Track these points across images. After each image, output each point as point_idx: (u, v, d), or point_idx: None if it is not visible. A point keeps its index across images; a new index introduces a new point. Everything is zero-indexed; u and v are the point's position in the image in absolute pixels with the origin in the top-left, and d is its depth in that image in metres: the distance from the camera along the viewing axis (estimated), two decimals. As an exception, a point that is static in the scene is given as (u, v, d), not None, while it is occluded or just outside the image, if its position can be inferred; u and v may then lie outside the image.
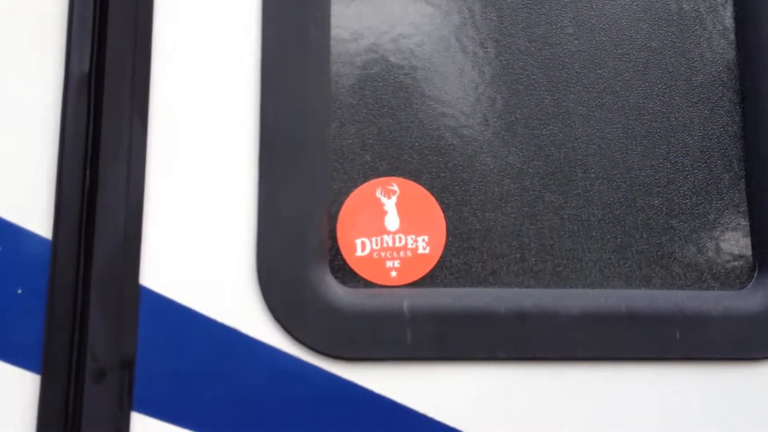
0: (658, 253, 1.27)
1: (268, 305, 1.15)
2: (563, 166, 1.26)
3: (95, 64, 1.17)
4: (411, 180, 1.23)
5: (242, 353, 1.14)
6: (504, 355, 1.17)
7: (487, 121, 1.26)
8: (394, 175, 1.24)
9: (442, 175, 1.24)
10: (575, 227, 1.25)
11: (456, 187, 1.24)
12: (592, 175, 1.27)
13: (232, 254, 1.16)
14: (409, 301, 1.18)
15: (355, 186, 1.22)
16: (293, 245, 1.16)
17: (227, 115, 1.19)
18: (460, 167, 1.25)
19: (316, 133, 1.20)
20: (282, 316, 1.15)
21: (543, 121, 1.27)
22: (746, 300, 1.24)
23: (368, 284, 1.21)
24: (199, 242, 1.16)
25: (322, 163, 1.20)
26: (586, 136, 1.28)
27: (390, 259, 1.21)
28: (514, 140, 1.26)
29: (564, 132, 1.27)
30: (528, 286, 1.23)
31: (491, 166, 1.25)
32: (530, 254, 1.24)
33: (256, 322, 1.15)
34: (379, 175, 1.23)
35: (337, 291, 1.18)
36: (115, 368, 1.11)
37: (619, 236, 1.26)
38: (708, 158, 1.31)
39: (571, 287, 1.24)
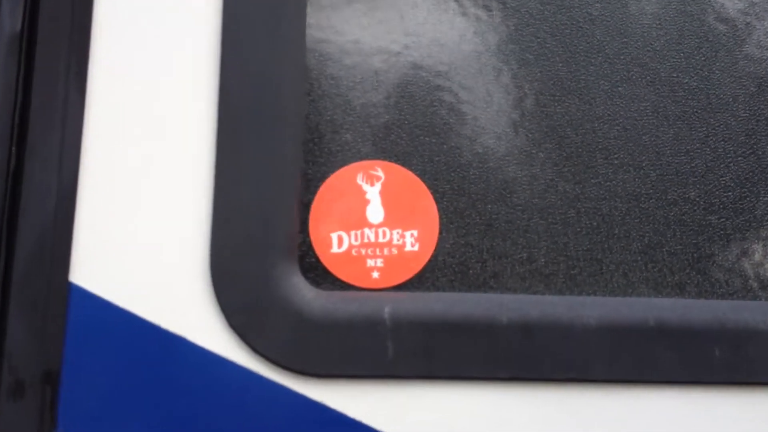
0: (694, 255, 1.06)
1: (223, 309, 0.97)
2: (580, 149, 1.06)
3: (27, 20, 1.00)
4: (399, 164, 1.04)
5: (190, 366, 0.96)
6: (505, 374, 0.97)
7: (490, 95, 1.07)
8: (379, 158, 1.04)
9: (436, 158, 1.05)
10: (594, 223, 1.05)
11: (452, 174, 1.05)
12: (616, 161, 1.07)
13: (182, 248, 0.98)
14: (392, 307, 0.98)
15: (332, 170, 1.04)
16: (255, 239, 0.98)
17: (180, 82, 1.01)
18: (458, 150, 1.05)
19: (286, 106, 1.01)
20: (239, 323, 0.97)
21: (557, 96, 1.07)
22: (800, 312, 1.03)
23: (345, 286, 1.02)
24: (143, 233, 0.98)
25: (293, 142, 1.01)
26: (609, 114, 1.08)
27: (372, 257, 1.02)
28: (522, 118, 1.06)
29: (582, 109, 1.07)
30: (536, 292, 1.03)
31: (494, 149, 1.06)
32: (539, 254, 1.04)
33: (207, 330, 0.97)
34: (362, 158, 1.04)
35: (307, 294, 0.99)
36: (35, 382, 0.93)
37: (647, 234, 1.05)
38: (754, 142, 1.10)
39: (588, 294, 1.03)
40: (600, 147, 1.07)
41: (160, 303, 0.97)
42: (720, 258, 1.07)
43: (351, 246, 1.02)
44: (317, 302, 0.98)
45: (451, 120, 1.06)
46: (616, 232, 1.05)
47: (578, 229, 1.05)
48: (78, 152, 0.98)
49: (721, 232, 1.07)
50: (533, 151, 1.06)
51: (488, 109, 1.06)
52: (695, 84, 1.10)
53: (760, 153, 1.10)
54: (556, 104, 1.07)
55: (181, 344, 0.96)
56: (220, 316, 0.97)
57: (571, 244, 1.05)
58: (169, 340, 0.96)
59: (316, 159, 1.04)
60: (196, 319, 0.97)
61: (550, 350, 0.98)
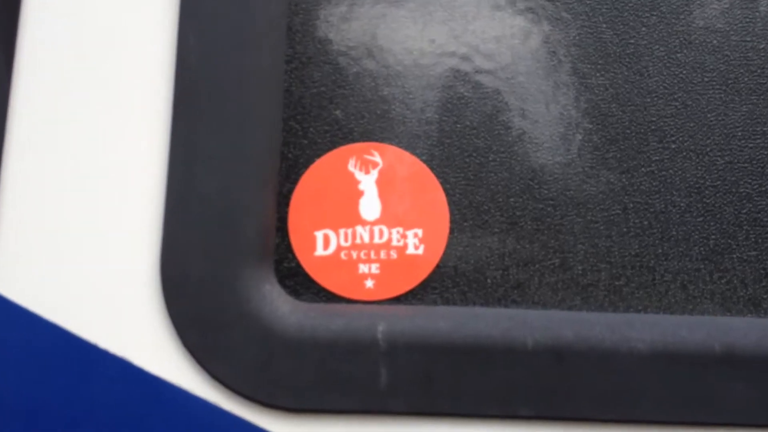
0: (772, 262, 0.84)
1: (175, 325, 0.78)
2: (628, 130, 0.85)
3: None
4: (400, 147, 0.84)
5: (133, 394, 0.77)
6: (529, 411, 0.77)
7: (514, 63, 0.86)
8: (376, 140, 0.85)
9: (446, 140, 0.85)
10: (645, 221, 0.84)
11: (465, 159, 0.84)
12: (672, 145, 0.85)
13: (126, 249, 0.79)
14: (387, 324, 0.78)
15: (318, 155, 0.84)
16: (218, 237, 0.79)
17: (129, 48, 0.82)
18: (473, 130, 0.85)
19: (260, 77, 0.82)
20: (194, 342, 0.78)
21: (601, 66, 0.86)
22: None
23: (331, 298, 0.82)
24: (79, 233, 0.79)
25: (269, 119, 0.82)
26: (665, 88, 0.86)
27: (365, 262, 0.82)
28: (556, 91, 0.85)
29: (631, 80, 0.86)
30: (570, 308, 0.82)
31: (519, 129, 0.85)
32: (575, 260, 0.83)
33: (155, 350, 0.78)
34: (354, 140, 0.85)
35: (282, 306, 0.79)
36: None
37: (713, 236, 0.84)
38: None
39: (637, 311, 0.82)
40: (653, 128, 0.85)
41: (99, 318, 0.78)
42: (805, 267, 0.85)
43: (339, 248, 0.82)
44: (294, 317, 0.79)
45: (465, 93, 0.85)
46: (673, 233, 0.84)
47: (624, 229, 0.83)
48: (1, 139, 0.80)
49: (808, 234, 0.85)
50: (568, 132, 0.85)
51: (512, 80, 0.86)
52: (774, 49, 0.88)
53: None
54: (599, 74, 0.86)
55: (123, 367, 0.78)
56: (171, 333, 0.78)
57: (615, 247, 0.83)
58: (107, 362, 0.78)
59: (298, 140, 0.85)
60: (142, 337, 0.78)
61: (587, 382, 0.77)
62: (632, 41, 0.87)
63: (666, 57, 0.87)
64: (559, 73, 0.86)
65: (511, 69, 0.86)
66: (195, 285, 0.78)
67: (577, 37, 0.86)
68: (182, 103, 0.81)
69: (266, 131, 0.82)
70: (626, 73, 0.86)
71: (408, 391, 0.77)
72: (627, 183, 0.84)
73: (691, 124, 0.86)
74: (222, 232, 0.79)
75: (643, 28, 0.87)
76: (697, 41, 0.87)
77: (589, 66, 0.86)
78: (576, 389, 0.77)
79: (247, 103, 0.81)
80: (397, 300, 0.82)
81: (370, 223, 0.83)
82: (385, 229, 0.83)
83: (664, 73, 0.86)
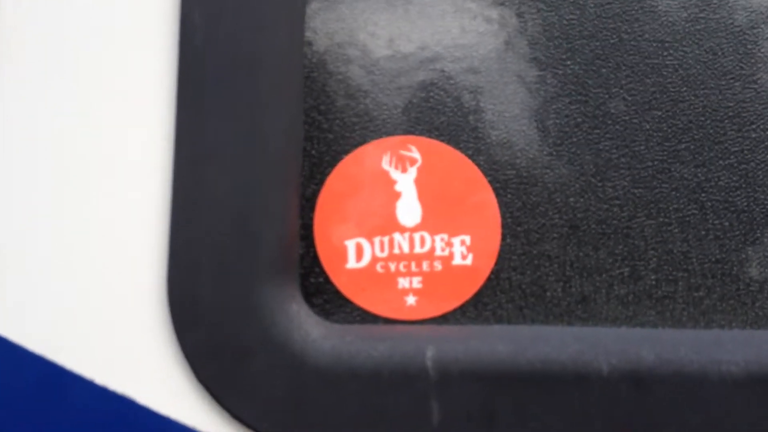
0: None
1: (188, 357, 0.65)
2: (703, 118, 0.74)
3: None
4: (442, 141, 0.73)
5: (139, 441, 0.65)
6: (605, 447, 0.65)
7: (569, 38, 0.75)
8: (413, 133, 0.73)
9: (494, 133, 0.73)
10: (726, 222, 0.73)
11: (517, 154, 0.73)
12: (753, 135, 0.74)
13: (127, 268, 0.67)
14: (435, 348, 0.67)
15: (346, 151, 0.72)
16: (233, 252, 0.66)
17: (125, 29, 0.70)
18: (525, 121, 0.73)
19: (276, 61, 0.69)
20: (211, 376, 0.65)
21: (669, 44, 0.75)
22: None
23: (367, 318, 0.70)
24: (69, 248, 0.67)
25: (288, 112, 0.70)
26: (743, 68, 0.75)
27: (405, 275, 0.70)
28: (618, 74, 0.74)
29: (704, 61, 0.75)
30: (643, 324, 0.71)
31: (577, 118, 0.73)
32: (647, 268, 0.72)
33: (165, 387, 0.66)
34: (388, 133, 0.73)
35: (313, 331, 0.68)
36: None
37: (797, 237, 0.73)
38: None
39: (721, 326, 0.71)
40: (730, 113, 0.74)
41: (93, 347, 0.66)
42: None
43: (375, 259, 0.71)
44: (327, 343, 0.67)
45: (515, 77, 0.74)
46: (758, 234, 0.73)
47: (702, 232, 0.72)
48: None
49: None
50: (634, 120, 0.73)
51: (568, 62, 0.74)
52: None
53: None
54: (666, 53, 0.75)
55: (125, 406, 0.65)
56: (182, 364, 0.66)
57: (692, 253, 0.72)
58: (106, 401, 0.65)
59: (323, 134, 0.73)
60: (147, 370, 0.66)
61: (672, 412, 0.66)
62: (702, 15, 0.76)
63: (742, 32, 0.76)
64: (621, 53, 0.74)
65: (566, 45, 0.74)
66: (208, 307, 0.66)
67: (639, 12, 0.75)
68: (187, 92, 0.68)
69: (285, 124, 0.69)
70: (697, 52, 0.75)
71: (465, 429, 0.65)
72: (703, 178, 0.73)
73: (771, 110, 0.75)
74: (237, 244, 0.67)
75: (714, 1, 0.76)
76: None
77: (655, 44, 0.75)
78: (659, 421, 0.65)
79: (261, 92, 0.69)
80: (444, 319, 0.71)
81: (410, 230, 0.71)
82: (427, 236, 0.71)
83: (741, 51, 0.75)
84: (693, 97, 0.74)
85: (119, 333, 0.66)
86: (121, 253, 0.67)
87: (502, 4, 0.75)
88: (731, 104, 0.74)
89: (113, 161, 0.68)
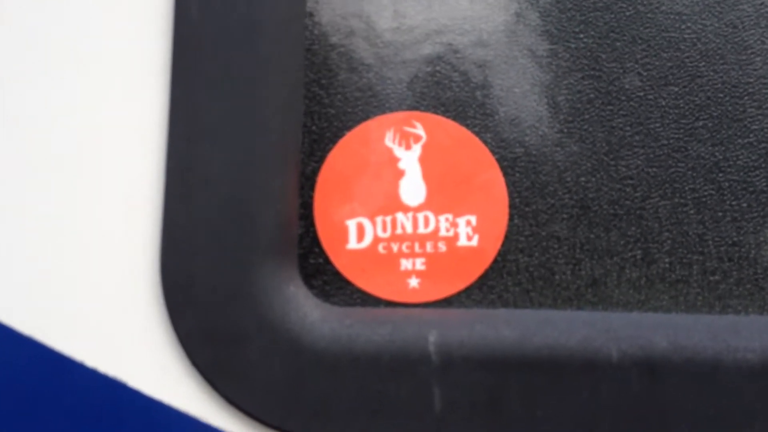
0: None
1: (182, 340, 0.63)
2: (721, 94, 0.71)
3: None
4: (448, 117, 0.70)
5: (132, 425, 0.63)
6: (615, 438, 0.63)
7: (581, 9, 0.71)
8: (417, 109, 0.70)
9: (502, 109, 0.70)
10: (744, 203, 0.70)
11: (526, 131, 0.70)
12: (774, 111, 0.71)
13: (118, 249, 0.64)
14: (439, 332, 0.64)
15: (348, 127, 0.69)
16: (229, 231, 0.64)
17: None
18: (534, 96, 0.70)
19: (275, 32, 0.67)
20: (206, 361, 0.63)
21: (687, 16, 0.71)
22: None
23: (368, 300, 0.68)
24: (58, 229, 0.64)
25: (287, 85, 0.67)
26: (764, 41, 0.72)
27: (408, 256, 0.68)
28: (634, 47, 0.71)
29: (723, 35, 0.71)
30: (656, 309, 0.68)
31: (587, 92, 0.70)
32: (660, 251, 0.69)
33: (158, 370, 0.63)
34: (391, 109, 0.70)
35: (311, 313, 0.65)
36: None
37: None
38: None
39: (738, 312, 0.68)
40: (750, 90, 0.71)
41: (83, 330, 0.63)
42: None
43: (377, 239, 0.68)
44: (326, 326, 0.65)
45: (525, 50, 0.71)
46: (777, 216, 0.70)
47: (719, 213, 0.69)
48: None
49: None
50: (648, 96, 0.70)
51: (580, 33, 0.71)
52: None
53: None
54: (684, 25, 0.71)
55: (117, 390, 0.63)
56: (176, 348, 0.64)
57: (708, 235, 0.69)
58: (98, 384, 0.63)
59: (324, 109, 0.70)
60: (140, 354, 0.63)
61: (686, 401, 0.63)
62: None
63: (764, 4, 0.72)
64: (637, 26, 0.71)
65: (579, 17, 0.71)
66: (202, 289, 0.63)
67: (656, -17, 0.72)
68: (181, 65, 0.65)
69: (284, 99, 0.67)
70: (716, 25, 0.71)
71: (469, 416, 0.63)
72: (721, 157, 0.70)
73: (793, 86, 0.71)
74: (233, 223, 0.64)
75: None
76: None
77: (672, 16, 0.71)
78: (672, 410, 0.63)
79: (260, 65, 0.66)
80: (448, 302, 0.68)
81: (413, 210, 0.68)
82: (431, 216, 0.68)
83: (762, 24, 0.72)
84: (711, 72, 0.71)
85: (111, 315, 0.63)
86: (114, 234, 0.64)
87: (511, -27, 0.71)
88: (751, 80, 0.71)
89: (103, 138, 0.65)
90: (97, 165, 0.65)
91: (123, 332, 0.63)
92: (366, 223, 0.68)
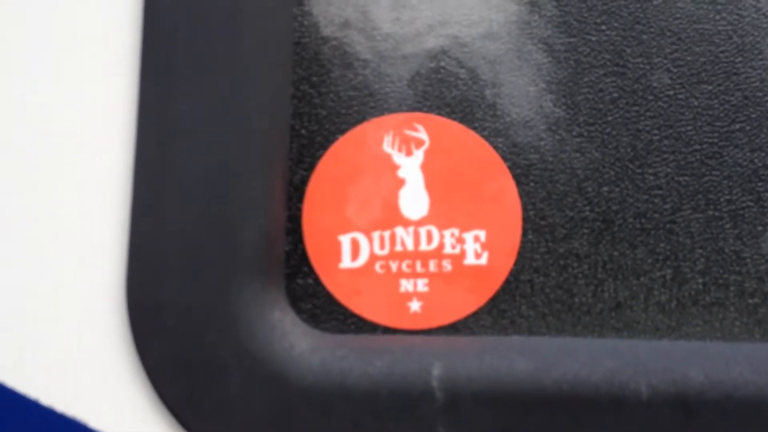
0: None
1: (150, 374, 0.55)
2: (760, 93, 0.63)
3: None
4: (454, 120, 0.62)
5: (92, 472, 0.55)
6: (645, 485, 0.55)
7: (604, 6, 0.63)
8: (419, 110, 0.62)
9: (514, 111, 0.62)
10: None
11: (541, 135, 0.62)
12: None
13: (77, 268, 0.56)
14: (443, 364, 0.56)
15: (342, 130, 0.62)
16: (206, 248, 0.56)
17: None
18: (549, 95, 0.62)
19: (259, 21, 0.59)
20: (177, 397, 0.55)
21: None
22: None
23: (362, 327, 0.60)
24: (9, 240, 0.56)
25: (273, 81, 0.59)
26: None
27: (409, 276, 0.60)
28: (662, 40, 0.63)
29: (758, 26, 0.64)
30: (689, 337, 0.60)
31: (610, 92, 0.62)
32: (693, 270, 0.61)
33: (123, 408, 0.56)
34: (390, 110, 0.62)
35: (299, 342, 0.57)
36: None
37: None
38: None
39: (782, 339, 0.61)
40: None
41: (37, 363, 0.56)
42: None
43: (374, 257, 0.60)
44: (316, 356, 0.57)
45: (540, 44, 0.63)
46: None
47: (759, 228, 0.62)
48: None
49: None
50: (679, 95, 0.62)
51: (602, 24, 0.63)
52: None
53: None
54: (719, 15, 0.63)
55: (76, 431, 0.55)
56: (144, 383, 0.56)
57: (746, 252, 0.61)
58: (54, 425, 0.55)
59: (314, 110, 0.62)
60: (102, 389, 0.55)
61: (725, 443, 0.55)
62: (760, -26, 0.64)
63: None
64: (666, 17, 0.63)
65: (602, 13, 0.63)
66: (174, 314, 0.55)
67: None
68: (152, 57, 0.58)
69: (269, 97, 0.59)
70: (754, 16, 0.64)
71: (478, 461, 0.55)
72: (760, 164, 0.62)
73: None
74: (210, 239, 0.56)
75: (773, -43, 0.65)
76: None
77: (704, 6, 0.63)
78: (710, 453, 0.55)
79: (242, 58, 0.58)
80: (454, 329, 0.60)
81: (415, 224, 0.61)
82: (435, 231, 0.60)
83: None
84: (749, 69, 0.63)
85: (69, 345, 0.56)
86: (72, 250, 0.56)
87: (525, -42, 0.64)
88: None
89: (63, 140, 0.57)
90: (53, 170, 0.57)
91: (83, 364, 0.55)
92: (361, 238, 0.60)
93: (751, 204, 0.62)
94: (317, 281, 0.60)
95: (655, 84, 0.62)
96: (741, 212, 0.62)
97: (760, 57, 0.63)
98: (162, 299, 0.55)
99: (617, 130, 0.62)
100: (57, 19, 0.58)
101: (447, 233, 0.61)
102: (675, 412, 0.55)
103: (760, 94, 0.62)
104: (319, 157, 0.61)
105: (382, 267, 0.60)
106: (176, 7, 0.57)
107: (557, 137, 0.62)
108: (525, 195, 0.61)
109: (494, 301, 0.60)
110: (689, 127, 0.62)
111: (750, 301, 0.61)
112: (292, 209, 0.60)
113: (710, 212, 0.61)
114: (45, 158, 0.57)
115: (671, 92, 0.62)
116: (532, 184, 0.62)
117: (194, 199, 0.56)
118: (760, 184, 0.62)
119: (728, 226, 0.62)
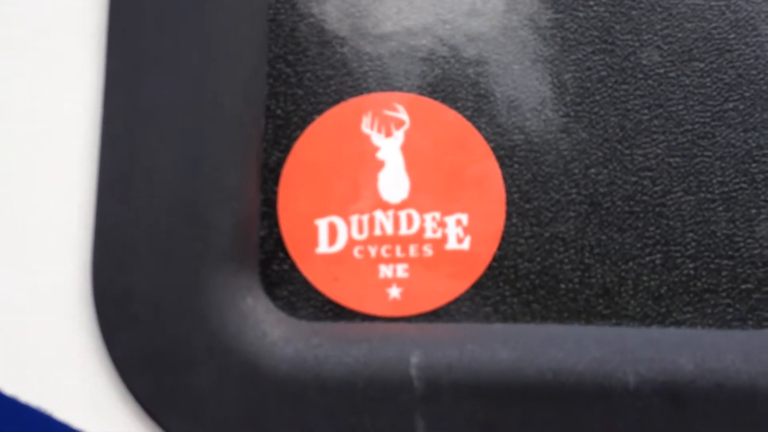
0: None
1: (117, 366, 0.53)
2: (754, 71, 0.60)
3: None
4: (435, 99, 0.60)
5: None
6: (632, 477, 0.53)
7: (593, -23, 0.61)
8: (400, 89, 0.60)
9: (498, 90, 0.60)
10: (780, 198, 0.60)
11: (525, 115, 0.60)
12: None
13: (40, 255, 0.54)
14: (423, 353, 0.54)
15: (319, 111, 0.59)
16: (176, 233, 0.54)
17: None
18: (535, 74, 0.60)
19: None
20: (146, 390, 0.53)
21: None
22: None
23: (341, 313, 0.58)
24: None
25: (247, 60, 0.57)
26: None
27: (388, 262, 0.58)
28: (666, 24, 0.61)
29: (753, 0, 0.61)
30: (679, 324, 0.58)
31: (599, 71, 0.60)
32: (683, 254, 0.59)
33: (90, 401, 0.54)
34: (369, 90, 0.60)
35: (273, 330, 0.55)
36: None
37: None
38: None
39: (775, 326, 0.58)
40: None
41: (2, 354, 0.53)
42: None
43: (352, 242, 0.58)
44: (291, 345, 0.55)
45: (525, 20, 0.60)
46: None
47: (753, 211, 0.59)
48: None
49: None
50: (669, 75, 0.60)
51: (595, 7, 0.61)
52: None
53: None
54: (709, -8, 0.61)
55: (45, 424, 0.53)
56: (111, 375, 0.54)
57: (739, 236, 0.59)
58: (18, 416, 0.53)
59: (291, 90, 0.59)
60: (67, 381, 0.53)
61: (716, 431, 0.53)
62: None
63: None
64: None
65: (589, -14, 0.61)
66: (143, 304, 0.53)
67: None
68: (118, 34, 0.55)
69: (244, 76, 0.57)
70: (748, -9, 0.61)
71: (458, 454, 0.53)
72: (754, 145, 0.60)
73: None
74: (180, 225, 0.54)
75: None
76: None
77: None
78: (700, 445, 0.53)
79: (214, 35, 0.56)
80: (435, 316, 0.58)
81: (395, 207, 0.58)
82: (415, 214, 0.58)
83: None
84: (743, 46, 0.60)
85: (32, 333, 0.53)
86: (36, 236, 0.54)
87: (509, -70, 0.61)
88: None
89: (25, 123, 0.55)
90: (15, 155, 0.55)
91: (47, 355, 0.53)
92: (339, 222, 0.58)
93: (745, 186, 0.59)
94: (293, 267, 0.58)
95: (644, 61, 0.60)
96: (734, 195, 0.59)
97: (754, 33, 0.60)
98: (129, 287, 0.53)
99: (605, 110, 0.60)
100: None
101: (428, 217, 0.58)
102: (664, 402, 0.53)
103: (754, 72, 0.60)
104: (295, 139, 0.59)
105: (360, 252, 0.58)
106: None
107: (543, 117, 0.60)
108: (509, 177, 0.59)
109: (476, 288, 0.58)
110: (680, 107, 0.60)
111: (743, 286, 0.59)
112: (267, 192, 0.58)
113: (702, 195, 0.59)
114: (6, 144, 0.55)
115: (661, 70, 0.60)
116: (516, 166, 0.59)
117: (163, 182, 0.54)
118: (753, 165, 0.60)
119: (720, 209, 0.59)
